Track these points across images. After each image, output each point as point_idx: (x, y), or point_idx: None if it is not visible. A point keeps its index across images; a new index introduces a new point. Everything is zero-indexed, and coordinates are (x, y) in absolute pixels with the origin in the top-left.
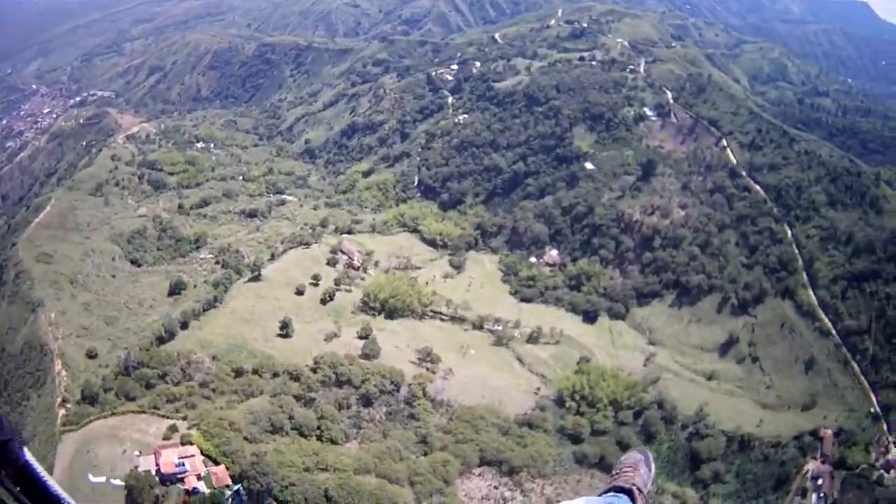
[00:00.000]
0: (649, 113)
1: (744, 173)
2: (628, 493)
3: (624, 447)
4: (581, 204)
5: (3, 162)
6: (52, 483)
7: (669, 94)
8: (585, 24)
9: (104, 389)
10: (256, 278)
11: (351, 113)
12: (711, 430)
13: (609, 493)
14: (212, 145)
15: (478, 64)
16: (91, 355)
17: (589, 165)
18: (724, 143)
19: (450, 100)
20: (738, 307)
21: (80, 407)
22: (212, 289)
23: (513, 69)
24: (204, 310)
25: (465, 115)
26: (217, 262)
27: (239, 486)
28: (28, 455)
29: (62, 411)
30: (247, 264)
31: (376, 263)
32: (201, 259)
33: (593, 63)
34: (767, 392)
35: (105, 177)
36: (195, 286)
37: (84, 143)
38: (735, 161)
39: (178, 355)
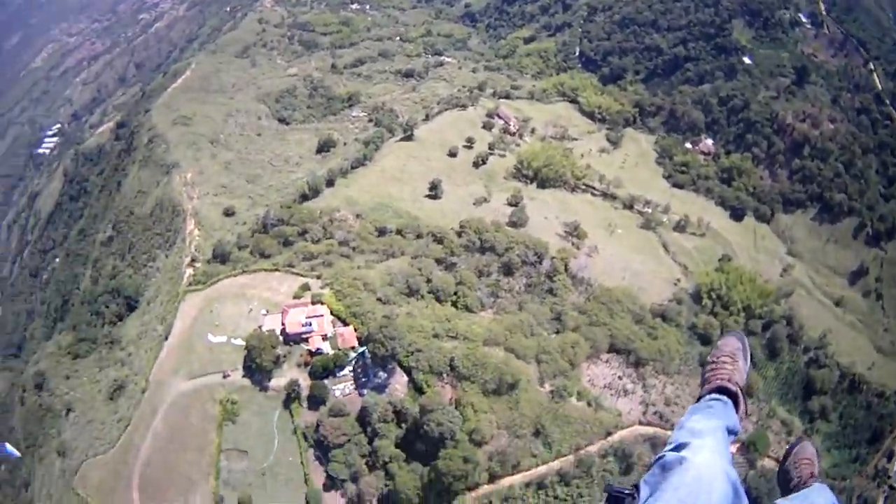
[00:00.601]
0: (804, 19)
1: (887, 101)
2: (732, 395)
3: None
4: (738, 97)
5: (136, 32)
6: None
7: (822, 5)
8: None
9: (238, 247)
10: (409, 138)
11: None
12: (829, 361)
13: (711, 396)
14: (367, 6)
15: None
16: (228, 213)
17: (747, 60)
18: (871, 66)
19: None
20: (871, 237)
21: (210, 266)
22: (362, 147)
23: None
24: (352, 167)
25: None
26: (370, 121)
27: (364, 348)
28: None
29: (190, 271)
30: (400, 123)
31: (532, 131)
32: (353, 117)
33: None
34: (884, 335)
35: (252, 40)
36: (345, 144)
37: (228, 9)
38: (880, 87)
39: (320, 213)
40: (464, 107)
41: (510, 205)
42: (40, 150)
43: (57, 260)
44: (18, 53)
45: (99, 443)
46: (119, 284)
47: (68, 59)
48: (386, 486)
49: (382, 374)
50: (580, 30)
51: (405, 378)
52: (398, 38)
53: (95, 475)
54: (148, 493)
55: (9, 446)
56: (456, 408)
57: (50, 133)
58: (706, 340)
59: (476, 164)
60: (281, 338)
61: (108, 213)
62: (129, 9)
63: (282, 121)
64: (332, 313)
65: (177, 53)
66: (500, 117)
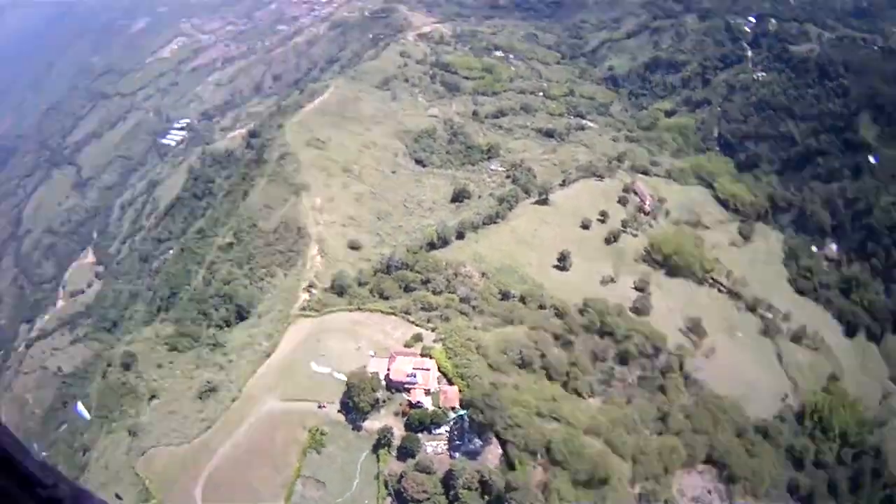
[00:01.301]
0: None
1: None
2: None
3: (833, 490)
4: (861, 200)
5: (274, 43)
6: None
7: None
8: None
9: (358, 283)
10: (544, 201)
11: (654, 47)
12: None
13: None
14: (511, 56)
15: (773, 21)
16: (353, 247)
17: (872, 160)
18: None
19: (749, 53)
20: None
21: (326, 295)
22: (496, 203)
23: (805, 35)
24: (483, 223)
25: (763, 74)
26: (507, 177)
27: (465, 412)
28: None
29: (305, 295)
30: (536, 184)
31: (667, 213)
32: (491, 170)
33: (875, 48)
34: None
35: (392, 72)
36: (479, 197)
37: (371, 36)
38: None
39: (446, 264)
40: (601, 177)
41: (636, 289)
42: (164, 141)
43: (171, 252)
44: (144, 39)
45: (175, 435)
46: (233, 291)
47: (200, 56)
48: None
49: (478, 442)
50: (719, 108)
51: (499, 450)
52: (541, 93)
53: (161, 463)
54: (211, 495)
55: (81, 406)
56: (542, 492)
57: (177, 126)
58: (799, 465)
59: (607, 241)
60: (384, 382)
61: (231, 220)
62: (268, 17)
63: (419, 162)
64: (439, 369)
65: (316, 73)
66: (636, 193)
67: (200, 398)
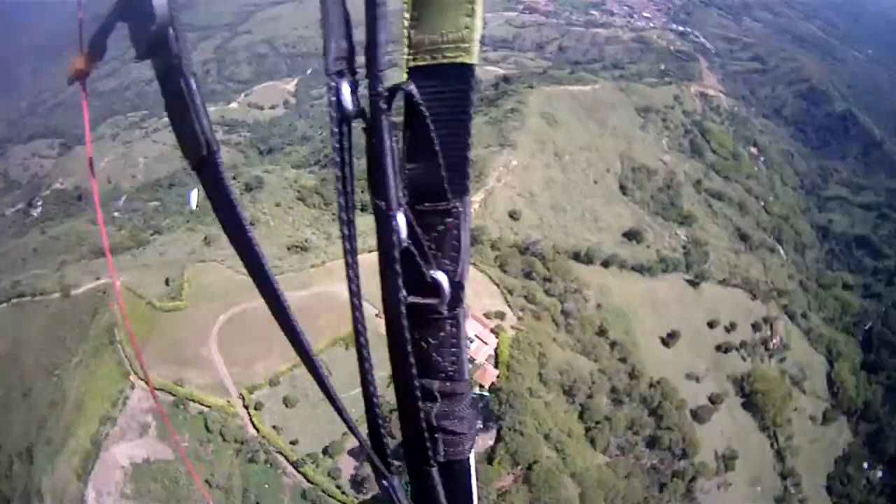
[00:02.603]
0: None
1: None
2: None
3: None
4: None
5: (578, 21)
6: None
7: None
8: None
9: (492, 245)
10: (695, 284)
11: (873, 228)
12: None
13: None
14: (762, 158)
15: None
16: (513, 215)
17: None
18: None
19: None
20: None
21: None
22: (657, 260)
23: None
24: (632, 268)
25: None
26: (683, 247)
27: (488, 396)
28: (472, 455)
29: None
30: (701, 269)
31: (782, 360)
32: (675, 233)
33: None
34: None
35: (658, 106)
36: (647, 246)
37: (662, 67)
38: None
39: (575, 278)
40: (755, 297)
41: (710, 400)
42: None
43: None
44: None
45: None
46: None
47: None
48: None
49: (479, 425)
50: (883, 309)
51: (491, 443)
52: (762, 202)
53: (212, 277)
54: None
55: (195, 194)
56: (498, 496)
57: None
58: None
59: (718, 348)
60: None
61: None
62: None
63: (622, 188)
64: (496, 350)
65: (596, 66)
66: (771, 328)
67: (289, 250)
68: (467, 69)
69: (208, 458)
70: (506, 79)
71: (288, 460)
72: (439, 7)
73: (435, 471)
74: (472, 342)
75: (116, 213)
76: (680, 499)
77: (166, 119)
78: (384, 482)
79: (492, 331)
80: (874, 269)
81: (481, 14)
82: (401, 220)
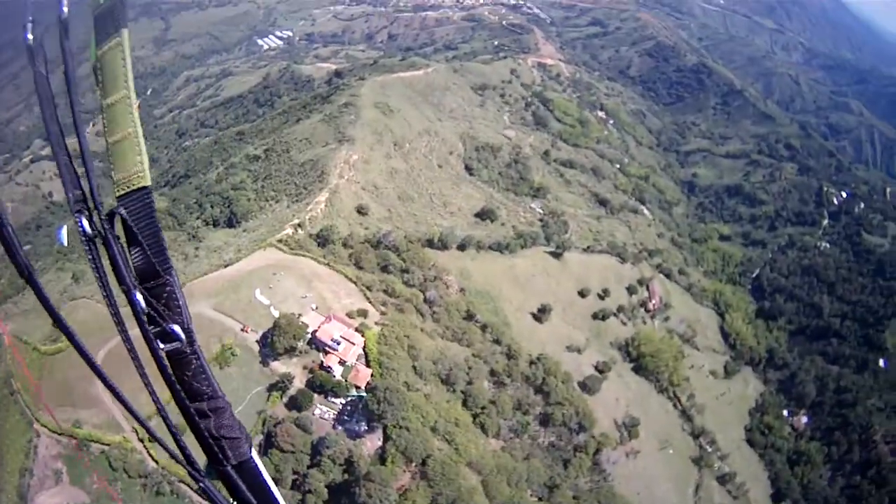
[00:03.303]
0: None
1: None
2: None
3: None
4: (850, 392)
5: (406, 6)
6: (272, 485)
7: None
8: None
9: (344, 243)
10: (557, 255)
11: (744, 175)
12: None
13: None
14: (611, 121)
15: (862, 205)
16: (361, 211)
17: (881, 363)
18: None
19: (825, 222)
20: None
21: (308, 239)
22: (513, 237)
23: (883, 230)
24: (490, 247)
25: (827, 245)
26: (540, 220)
27: (365, 395)
28: (254, 454)
29: (290, 230)
30: (561, 238)
31: (666, 319)
32: (529, 207)
33: None
34: None
35: (495, 82)
36: (503, 224)
37: (496, 43)
38: None
39: (433, 265)
40: (624, 260)
41: (596, 368)
42: (260, 41)
43: (206, 139)
44: None
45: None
46: (235, 198)
47: None
48: None
49: (363, 426)
50: (770, 255)
51: (380, 443)
52: (618, 165)
53: (84, 315)
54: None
55: (65, 231)
56: (399, 496)
57: (278, 34)
58: None
59: (595, 316)
60: (308, 336)
61: (270, 137)
62: None
63: (468, 168)
64: (364, 348)
65: (429, 50)
66: (647, 289)
67: None
68: (145, 190)
69: (120, 496)
70: (337, 73)
71: (191, 488)
72: (120, 156)
73: (231, 470)
74: (339, 344)
75: None
76: (588, 472)
77: (28, 160)
78: (201, 485)
79: (357, 329)
80: (752, 217)
81: (146, 152)
82: (139, 297)
